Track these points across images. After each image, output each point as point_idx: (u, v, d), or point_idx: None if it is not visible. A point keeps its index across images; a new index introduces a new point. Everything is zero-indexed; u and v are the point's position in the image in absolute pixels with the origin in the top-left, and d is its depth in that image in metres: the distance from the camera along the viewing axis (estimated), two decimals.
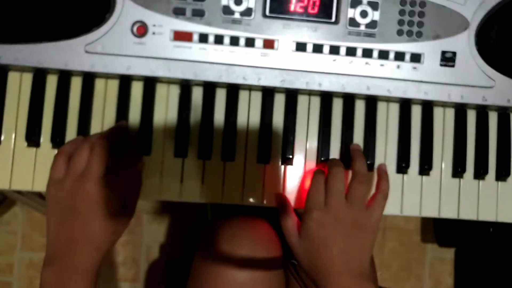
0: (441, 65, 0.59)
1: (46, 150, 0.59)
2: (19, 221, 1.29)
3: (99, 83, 0.60)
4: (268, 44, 0.58)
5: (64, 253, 0.53)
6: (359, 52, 0.58)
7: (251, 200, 0.60)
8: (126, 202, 0.56)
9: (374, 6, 0.58)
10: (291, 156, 0.61)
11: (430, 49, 0.59)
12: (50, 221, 0.54)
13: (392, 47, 0.59)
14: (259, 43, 0.58)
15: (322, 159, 0.61)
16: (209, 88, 0.61)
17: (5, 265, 1.30)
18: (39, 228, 1.29)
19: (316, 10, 0.58)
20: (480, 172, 0.62)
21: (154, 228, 1.31)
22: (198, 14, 0.57)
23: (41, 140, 0.59)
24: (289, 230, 0.56)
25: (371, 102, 0.62)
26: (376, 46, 0.58)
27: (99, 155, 0.53)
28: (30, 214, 1.29)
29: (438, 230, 1.32)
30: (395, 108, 0.63)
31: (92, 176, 0.52)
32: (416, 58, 0.59)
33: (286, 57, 0.58)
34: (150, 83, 0.60)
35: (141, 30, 0.57)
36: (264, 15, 0.58)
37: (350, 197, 0.55)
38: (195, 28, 0.57)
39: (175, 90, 0.61)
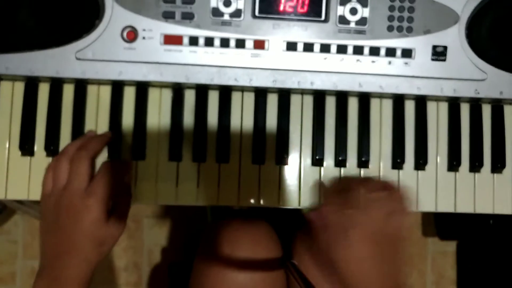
0: (432, 59, 0.59)
1: (41, 158, 0.59)
2: (19, 230, 1.29)
3: (91, 90, 0.60)
4: (259, 44, 0.58)
5: (52, 265, 0.54)
6: (350, 49, 0.58)
7: (247, 201, 0.60)
8: (114, 213, 0.56)
9: (364, 3, 0.58)
10: (286, 156, 0.61)
11: (421, 44, 0.59)
12: (40, 235, 0.56)
13: (383, 43, 0.59)
14: (249, 44, 0.58)
15: (317, 157, 0.61)
16: (202, 90, 0.61)
17: (7, 274, 1.30)
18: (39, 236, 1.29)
19: (305, 9, 0.58)
20: (476, 165, 0.62)
21: (155, 232, 1.31)
22: (188, 17, 0.57)
23: (35, 148, 0.59)
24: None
25: (364, 99, 0.62)
26: (367, 43, 0.58)
27: (79, 168, 0.53)
28: (30, 222, 1.29)
29: (438, 223, 1.32)
30: (388, 104, 0.63)
31: (71, 189, 0.53)
32: (407, 53, 0.59)
33: (277, 57, 0.58)
34: (142, 87, 0.60)
35: (131, 35, 0.57)
36: (254, 16, 0.57)
37: (374, 212, 0.54)
38: (185, 31, 0.57)
39: (167, 94, 0.61)
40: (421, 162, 0.62)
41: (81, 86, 0.60)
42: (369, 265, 0.53)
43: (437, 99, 0.63)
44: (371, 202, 0.54)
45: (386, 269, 0.54)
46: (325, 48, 0.58)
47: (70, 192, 0.53)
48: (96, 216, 0.53)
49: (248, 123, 0.61)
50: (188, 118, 0.60)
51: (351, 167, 0.62)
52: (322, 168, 0.62)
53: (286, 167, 0.61)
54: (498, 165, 0.62)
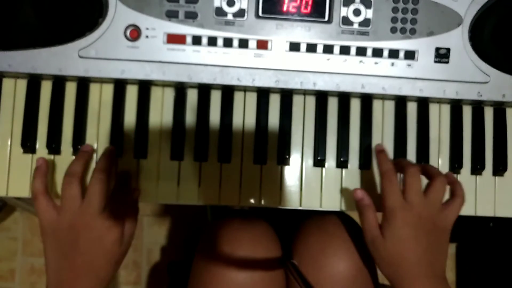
0: (435, 61, 0.59)
1: (42, 156, 0.59)
2: (19, 227, 1.29)
3: (93, 88, 0.60)
4: (262, 44, 0.58)
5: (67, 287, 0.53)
6: (353, 50, 0.58)
7: (248, 201, 0.60)
8: (125, 230, 0.56)
9: (367, 4, 0.58)
10: (287, 156, 0.61)
11: (424, 46, 0.59)
12: (49, 259, 0.53)
13: (386, 44, 0.59)
14: (252, 44, 0.58)
15: (319, 158, 0.61)
16: (204, 90, 0.61)
17: (6, 271, 1.30)
18: (39, 234, 1.29)
19: (309, 9, 0.58)
20: (477, 168, 0.62)
21: (154, 231, 1.31)
22: (191, 16, 0.57)
23: (37, 146, 0.59)
24: (372, 227, 0.56)
25: (366, 100, 0.62)
26: (370, 44, 0.58)
27: (96, 189, 0.52)
28: (30, 219, 1.29)
29: None
30: (390, 105, 0.63)
31: (90, 210, 0.52)
32: (410, 55, 0.59)
33: (280, 57, 0.58)
34: (144, 86, 0.60)
35: (134, 33, 0.57)
36: (257, 16, 0.57)
37: (430, 196, 0.55)
38: (188, 30, 0.57)
39: (170, 93, 0.61)
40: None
41: (83, 84, 0.60)
42: (410, 248, 0.54)
43: (439, 101, 0.63)
44: (434, 191, 0.55)
45: (429, 256, 0.54)
46: (328, 49, 0.58)
47: (90, 213, 0.52)
48: (117, 237, 0.54)
49: (250, 123, 0.61)
50: (190, 118, 0.60)
51: (352, 168, 0.62)
52: (323, 169, 0.61)
53: (287, 167, 0.61)
54: (499, 168, 0.62)
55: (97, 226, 0.52)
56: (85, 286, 0.53)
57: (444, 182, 0.56)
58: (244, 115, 0.61)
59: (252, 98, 0.61)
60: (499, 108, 0.63)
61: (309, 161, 0.61)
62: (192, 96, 0.61)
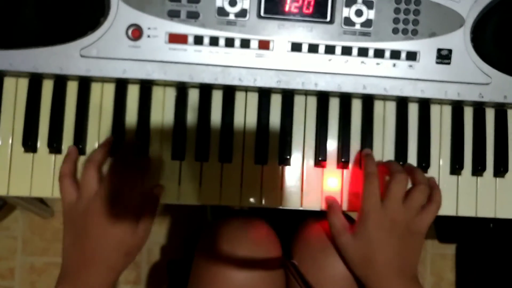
0: (437, 62, 0.59)
1: (43, 155, 0.59)
2: (19, 225, 1.29)
3: (95, 87, 0.60)
4: (264, 45, 0.58)
5: (76, 273, 0.53)
6: (354, 51, 0.58)
7: (249, 201, 0.60)
8: (139, 223, 0.56)
9: (369, 5, 0.58)
10: (288, 157, 0.61)
11: (425, 47, 0.59)
12: (65, 242, 0.55)
13: (388, 45, 0.58)
14: (254, 44, 0.58)
15: (320, 159, 0.61)
16: (205, 90, 0.61)
17: (6, 269, 1.30)
18: (39, 233, 1.29)
19: (311, 10, 0.58)
20: (478, 169, 0.62)
21: (154, 230, 1.29)
22: (193, 16, 0.57)
23: (38, 145, 0.59)
24: (339, 230, 0.58)
25: (368, 101, 0.62)
26: (372, 45, 0.58)
27: (109, 178, 0.54)
28: (30, 218, 1.29)
29: (438, 226, 1.32)
30: (392, 106, 0.63)
31: (102, 197, 0.53)
32: (412, 56, 0.59)
33: (281, 58, 0.58)
34: (146, 86, 0.60)
35: (136, 33, 0.57)
36: (259, 16, 0.57)
37: (409, 203, 0.56)
38: (190, 30, 0.57)
39: (171, 93, 0.61)
40: (423, 165, 0.62)
41: (85, 83, 0.60)
42: (380, 250, 0.55)
43: (440, 102, 0.63)
44: (413, 199, 0.56)
45: (399, 258, 0.55)
46: (329, 50, 0.58)
47: (102, 201, 0.53)
48: (128, 227, 0.54)
49: (252, 123, 0.61)
50: (192, 117, 0.60)
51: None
52: (324, 170, 0.61)
53: (288, 167, 0.61)
54: (500, 169, 0.62)
55: (109, 212, 0.53)
56: (92, 273, 0.53)
57: (424, 191, 0.57)
58: (246, 115, 0.61)
59: (253, 98, 0.61)
60: (501, 110, 0.63)
61: (310, 161, 0.61)
62: (193, 96, 0.61)
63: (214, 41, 0.57)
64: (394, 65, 0.59)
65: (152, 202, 0.59)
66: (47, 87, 0.59)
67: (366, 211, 0.56)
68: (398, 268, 0.55)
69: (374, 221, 0.55)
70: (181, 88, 0.60)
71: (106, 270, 0.54)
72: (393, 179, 0.56)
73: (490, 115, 0.63)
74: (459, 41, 0.59)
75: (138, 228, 0.56)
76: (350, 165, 0.62)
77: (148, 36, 0.57)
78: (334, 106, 0.62)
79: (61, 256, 0.55)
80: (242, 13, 0.57)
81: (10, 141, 0.59)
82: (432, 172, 0.62)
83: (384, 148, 0.62)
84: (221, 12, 0.57)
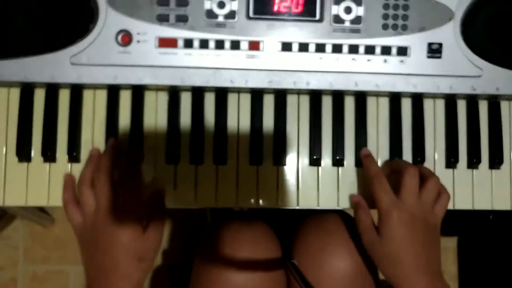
0: (428, 57, 0.59)
1: (38, 164, 0.59)
2: (20, 235, 1.29)
3: (87, 94, 0.60)
4: (254, 45, 0.58)
5: (98, 286, 0.54)
6: (345, 48, 0.58)
7: (246, 202, 0.60)
8: (148, 225, 0.56)
9: (358, 2, 0.58)
10: (283, 156, 0.61)
11: (416, 42, 0.59)
12: (84, 263, 0.56)
13: (378, 41, 0.58)
14: (244, 45, 0.58)
15: (315, 157, 0.61)
16: (198, 93, 0.60)
17: (9, 279, 1.30)
18: (40, 241, 1.29)
19: (300, 9, 0.58)
20: (473, 162, 0.62)
21: None
22: (182, 19, 0.57)
23: (32, 154, 0.59)
24: (368, 229, 0.57)
25: (360, 97, 0.62)
26: (362, 42, 0.58)
27: (102, 188, 0.54)
28: (30, 227, 1.29)
29: None
30: (385, 102, 0.63)
31: (102, 210, 0.53)
32: (402, 51, 0.59)
33: (272, 58, 0.58)
34: (138, 91, 0.60)
35: (126, 38, 0.57)
36: (248, 17, 0.57)
37: (425, 196, 0.56)
38: (180, 33, 0.57)
39: (163, 97, 0.61)
40: (418, 160, 0.62)
41: (76, 91, 0.59)
42: (406, 246, 0.54)
43: (433, 96, 0.62)
44: (428, 191, 0.56)
45: (424, 253, 0.55)
46: (320, 48, 0.58)
47: (102, 213, 0.53)
48: (133, 232, 0.54)
49: (245, 124, 0.61)
50: (185, 121, 0.60)
51: (348, 166, 0.62)
52: (319, 168, 0.61)
53: (284, 167, 0.61)
54: (496, 161, 0.62)
55: (112, 222, 0.53)
56: (110, 284, 0.53)
57: (437, 182, 0.57)
58: (239, 116, 0.61)
59: (246, 99, 0.61)
60: (494, 102, 0.63)
61: (305, 160, 0.61)
62: (186, 99, 0.61)
63: (204, 44, 0.57)
64: (385, 61, 0.59)
65: (157, 202, 0.58)
66: (39, 96, 0.59)
67: (385, 210, 0.55)
68: (424, 264, 0.55)
69: (395, 218, 0.54)
70: (173, 92, 0.60)
71: (123, 279, 0.54)
72: (406, 173, 0.56)
73: (483, 108, 0.63)
74: (449, 34, 0.59)
75: (147, 230, 0.55)
76: (345, 162, 0.61)
77: (138, 41, 0.57)
78: (327, 104, 0.62)
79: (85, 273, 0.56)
80: (231, 15, 0.57)
81: (4, 151, 0.59)
82: (427, 167, 0.62)
83: (378, 144, 0.62)
84: (210, 14, 0.57)
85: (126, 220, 0.54)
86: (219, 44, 0.57)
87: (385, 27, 0.58)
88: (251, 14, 0.57)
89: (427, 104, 0.63)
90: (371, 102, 0.62)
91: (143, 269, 0.55)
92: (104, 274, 0.54)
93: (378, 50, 0.58)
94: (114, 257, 0.53)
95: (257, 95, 0.61)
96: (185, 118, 0.60)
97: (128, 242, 0.53)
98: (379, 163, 0.62)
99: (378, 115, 0.62)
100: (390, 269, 0.56)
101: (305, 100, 0.62)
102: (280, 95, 0.61)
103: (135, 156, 0.58)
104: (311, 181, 0.61)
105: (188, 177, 0.60)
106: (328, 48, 0.58)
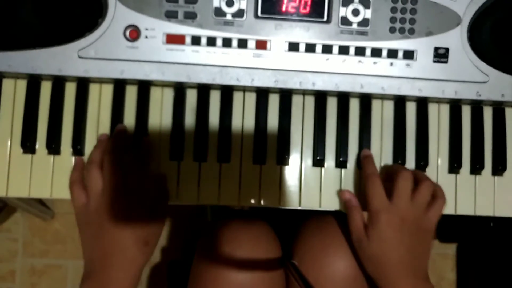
0: (434, 61, 0.59)
1: (42, 156, 0.59)
2: (19, 228, 1.30)
3: (93, 88, 0.60)
4: (261, 44, 0.58)
5: (100, 268, 0.54)
6: (351, 50, 0.58)
7: (248, 201, 0.60)
8: (152, 211, 0.56)
9: (366, 4, 0.58)
10: (286, 156, 0.61)
11: (423, 46, 0.59)
12: (84, 243, 0.56)
13: (385, 44, 0.59)
14: (251, 44, 0.58)
15: (318, 158, 0.61)
16: (203, 90, 0.61)
17: (7, 272, 1.30)
18: (40, 235, 1.30)
19: (307, 9, 0.58)
20: (476, 167, 0.62)
21: None
22: (190, 16, 0.57)
23: (37, 146, 0.59)
24: (357, 228, 0.57)
25: (366, 100, 0.62)
26: (369, 44, 0.58)
27: (111, 170, 0.54)
28: (30, 220, 1.29)
29: (439, 225, 1.31)
30: (389, 105, 0.63)
31: (110, 191, 0.54)
32: (409, 55, 0.59)
33: (279, 58, 0.58)
34: (144, 86, 0.60)
35: (134, 34, 0.57)
36: (256, 16, 0.58)
37: (417, 200, 0.56)
38: (188, 30, 0.57)
39: (169, 93, 0.61)
40: (422, 164, 0.62)
41: (83, 84, 0.60)
42: (393, 249, 0.55)
43: (438, 101, 0.63)
44: (420, 195, 0.56)
45: (411, 257, 0.55)
46: (327, 49, 0.58)
47: (109, 194, 0.54)
48: (139, 211, 0.54)
49: (250, 123, 0.61)
50: (190, 118, 0.61)
51: (351, 168, 0.62)
52: (323, 169, 0.62)
53: (287, 167, 0.61)
54: (499, 168, 0.62)
55: (119, 205, 0.53)
56: (114, 267, 0.53)
57: (430, 186, 0.57)
58: (243, 115, 0.61)
59: (251, 98, 0.61)
60: (498, 108, 0.63)
61: (308, 161, 0.62)
62: (191, 96, 0.61)
63: (211, 42, 0.57)
64: (392, 64, 0.59)
65: (161, 188, 0.59)
66: (46, 88, 0.59)
67: (375, 212, 0.55)
68: (410, 268, 0.55)
69: (383, 220, 0.55)
70: (179, 89, 0.60)
71: (127, 262, 0.54)
72: (399, 176, 0.56)
73: (487, 114, 0.63)
74: (456, 39, 0.59)
75: (152, 213, 0.56)
76: (348, 164, 0.62)
77: (146, 37, 0.57)
78: (332, 105, 0.62)
79: (83, 258, 0.56)
80: (239, 13, 0.57)
81: (9, 143, 0.59)
82: (430, 171, 0.62)
83: (382, 147, 0.62)
84: (218, 12, 0.57)
85: (135, 203, 0.54)
86: (227, 42, 0.57)
87: (392, 30, 0.58)
88: (259, 13, 0.57)
89: (432, 108, 0.63)
90: (376, 104, 0.63)
91: (147, 253, 0.56)
92: (108, 256, 0.54)
93: (384, 53, 0.59)
94: (120, 239, 0.53)
95: (262, 94, 0.61)
96: (190, 115, 0.61)
97: (136, 225, 0.54)
98: (382, 166, 0.62)
99: (382, 118, 0.63)
100: (375, 269, 0.57)
101: (310, 100, 0.62)
102: (286, 95, 0.61)
103: (146, 144, 0.59)
104: (314, 182, 0.61)
105: (191, 174, 0.60)
106: (335, 49, 0.58)
